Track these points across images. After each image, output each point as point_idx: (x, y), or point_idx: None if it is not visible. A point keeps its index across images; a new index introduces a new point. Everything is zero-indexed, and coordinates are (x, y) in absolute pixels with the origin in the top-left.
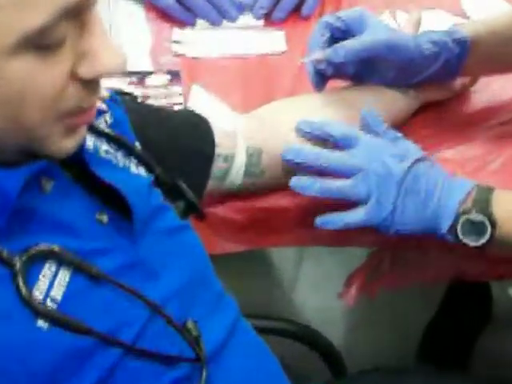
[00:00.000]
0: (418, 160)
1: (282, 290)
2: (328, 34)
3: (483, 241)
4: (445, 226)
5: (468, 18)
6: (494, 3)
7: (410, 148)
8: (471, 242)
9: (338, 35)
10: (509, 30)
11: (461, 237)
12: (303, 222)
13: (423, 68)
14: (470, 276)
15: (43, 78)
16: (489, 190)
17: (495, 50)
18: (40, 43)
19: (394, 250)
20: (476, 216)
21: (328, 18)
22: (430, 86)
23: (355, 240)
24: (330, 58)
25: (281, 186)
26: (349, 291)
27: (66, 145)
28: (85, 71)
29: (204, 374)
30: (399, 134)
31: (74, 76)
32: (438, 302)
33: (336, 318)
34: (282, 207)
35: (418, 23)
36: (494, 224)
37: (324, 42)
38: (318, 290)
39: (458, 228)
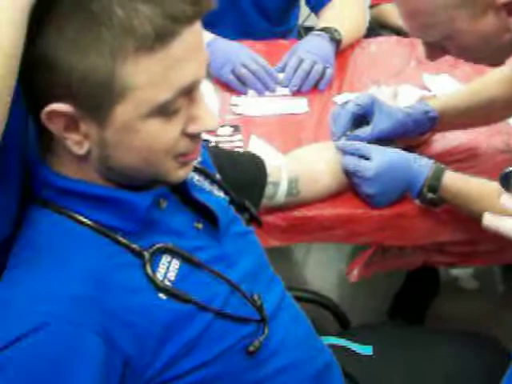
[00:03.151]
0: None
1: (298, 268)
2: (352, 121)
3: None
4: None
5: (429, 90)
6: (447, 80)
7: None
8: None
9: (356, 116)
10: (463, 103)
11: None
12: (323, 227)
13: (407, 135)
14: (433, 263)
15: (165, 134)
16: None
17: (454, 118)
18: (164, 111)
19: (383, 246)
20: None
21: (352, 107)
22: (408, 138)
23: (359, 240)
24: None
25: (310, 202)
26: (351, 272)
27: (181, 174)
28: (193, 129)
29: (266, 329)
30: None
31: (184, 132)
32: (403, 278)
33: (339, 288)
34: (310, 216)
35: (395, 95)
36: (443, 200)
37: (349, 127)
38: (324, 269)
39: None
